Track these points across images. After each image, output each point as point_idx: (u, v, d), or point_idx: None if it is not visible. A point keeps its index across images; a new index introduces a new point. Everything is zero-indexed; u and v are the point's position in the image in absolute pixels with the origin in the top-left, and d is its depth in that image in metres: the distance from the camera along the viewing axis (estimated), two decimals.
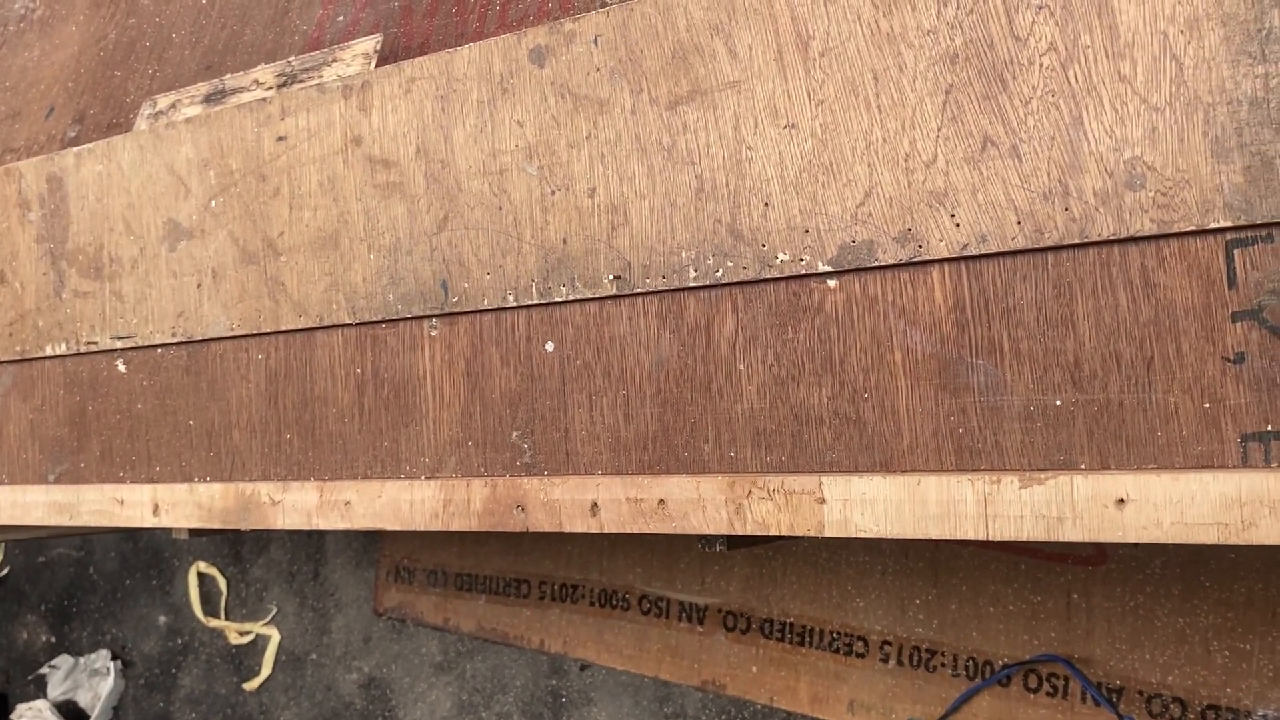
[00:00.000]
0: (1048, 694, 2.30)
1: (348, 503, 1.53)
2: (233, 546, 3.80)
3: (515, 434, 1.40)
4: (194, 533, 2.59)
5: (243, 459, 1.63)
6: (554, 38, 1.33)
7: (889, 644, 2.48)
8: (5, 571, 4.56)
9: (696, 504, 1.25)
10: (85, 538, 4.25)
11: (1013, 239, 1.07)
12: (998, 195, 1.08)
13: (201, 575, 3.85)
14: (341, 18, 1.80)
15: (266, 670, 3.63)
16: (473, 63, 1.40)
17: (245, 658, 3.72)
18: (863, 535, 1.15)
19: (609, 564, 2.90)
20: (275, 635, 3.62)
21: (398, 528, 1.49)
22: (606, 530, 1.34)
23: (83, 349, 1.79)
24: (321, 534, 3.53)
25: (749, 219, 1.20)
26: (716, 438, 1.24)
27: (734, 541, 1.65)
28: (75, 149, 1.81)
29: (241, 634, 3.72)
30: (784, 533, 1.21)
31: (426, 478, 1.47)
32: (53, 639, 4.37)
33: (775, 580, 2.63)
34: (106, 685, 4.04)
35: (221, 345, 1.65)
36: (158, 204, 1.69)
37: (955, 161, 1.09)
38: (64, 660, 4.20)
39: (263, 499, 1.60)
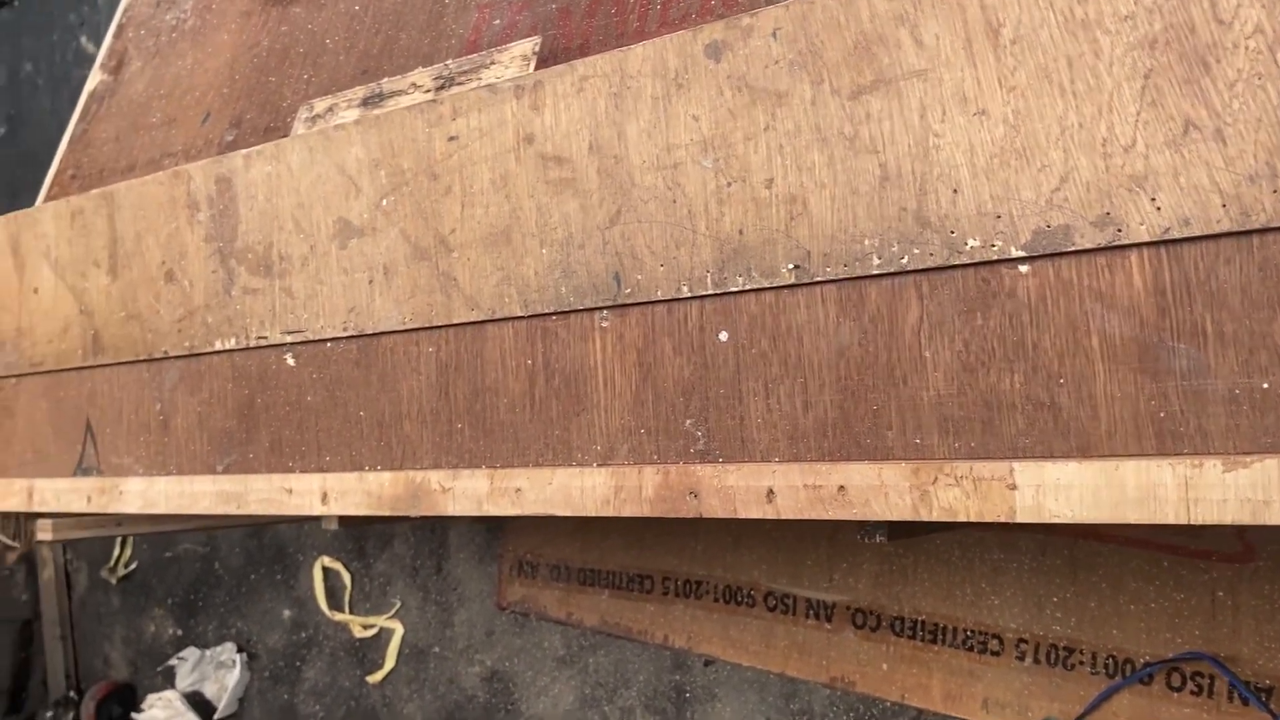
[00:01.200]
0: (1192, 693, 2.26)
1: (519, 490, 1.57)
2: (356, 542, 3.90)
3: (689, 422, 1.42)
4: (344, 521, 2.67)
5: (413, 448, 1.68)
6: (731, 33, 1.36)
7: (1025, 641, 2.46)
8: (133, 566, 4.73)
9: (878, 490, 1.27)
10: (211, 534, 4.39)
11: (1217, 221, 1.07)
12: (1201, 178, 1.07)
13: (326, 570, 3.96)
14: (498, 21, 1.85)
15: (390, 663, 3.71)
16: (647, 60, 1.43)
17: (368, 651, 3.81)
18: (1056, 520, 1.15)
19: (733, 560, 2.92)
20: (399, 629, 3.70)
21: (569, 513, 1.53)
22: (783, 516, 1.35)
23: (252, 344, 1.86)
24: (445, 530, 3.60)
25: (936, 206, 1.21)
26: (901, 424, 1.26)
27: (895, 532, 1.66)
28: (244, 151, 1.89)
29: (365, 627, 3.81)
30: (972, 519, 1.21)
31: (598, 465, 1.50)
32: (179, 632, 4.52)
33: (906, 578, 2.63)
34: (232, 677, 4.17)
35: (392, 339, 1.70)
36: (328, 203, 1.75)
37: (1155, 145, 1.09)
38: (191, 652, 4.35)
39: (433, 487, 1.65)
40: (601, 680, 3.22)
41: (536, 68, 1.71)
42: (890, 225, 1.24)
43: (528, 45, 1.77)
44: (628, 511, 1.49)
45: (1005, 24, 1.17)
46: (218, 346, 1.91)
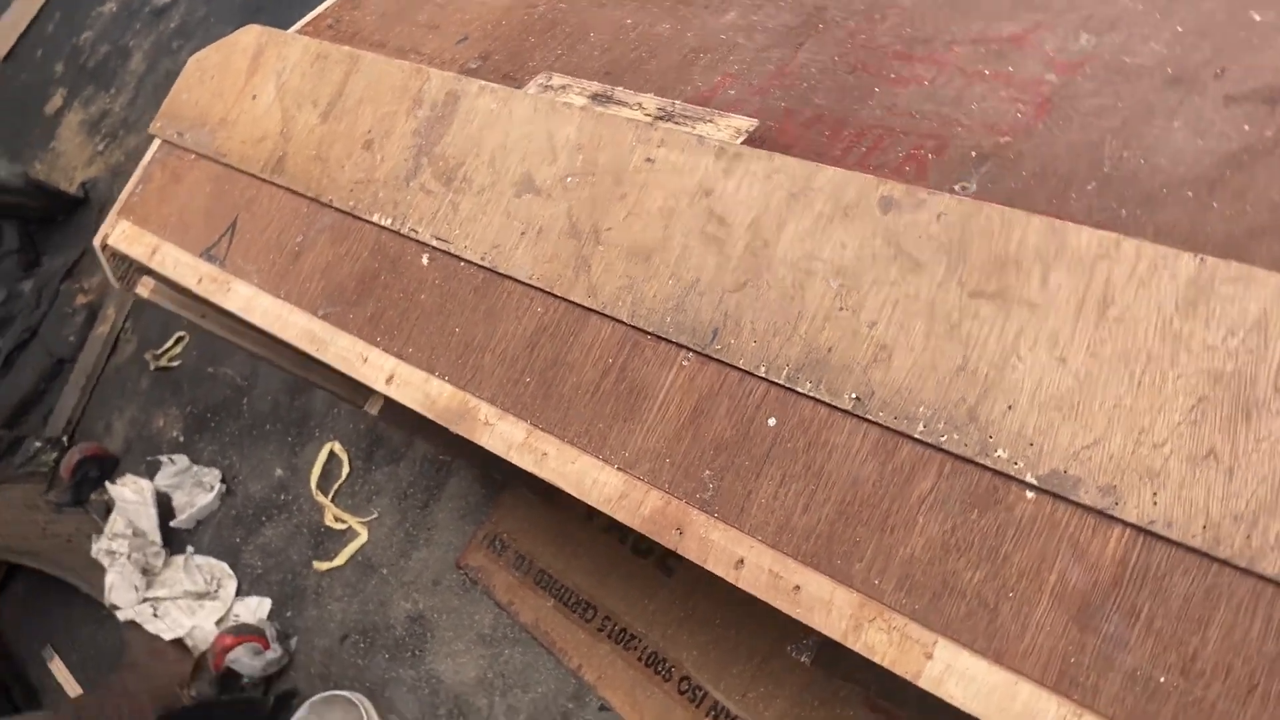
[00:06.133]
0: None
1: (545, 454, 1.77)
2: (371, 445, 4.12)
3: (707, 473, 1.62)
4: (384, 413, 2.89)
5: (482, 378, 1.90)
6: (907, 198, 1.57)
7: None
8: (176, 364, 5.02)
9: (825, 605, 1.45)
10: (254, 370, 4.66)
11: (1193, 537, 1.24)
12: (1199, 497, 1.25)
13: (332, 454, 4.19)
14: (733, 92, 2.08)
15: (340, 561, 3.92)
16: (831, 182, 1.65)
17: (328, 541, 4.02)
18: (949, 700, 1.32)
19: (674, 634, 3.08)
20: (364, 535, 3.91)
21: (575, 495, 1.73)
22: (740, 586, 1.54)
23: (404, 231, 2.10)
24: (448, 476, 3.81)
25: (989, 411, 1.40)
26: (870, 563, 1.44)
27: (820, 660, 1.83)
28: (481, 81, 2.14)
29: (337, 520, 4.03)
30: (884, 664, 1.39)
31: (617, 469, 1.70)
32: (181, 438, 4.78)
33: None
34: (204, 499, 4.40)
35: (513, 285, 1.93)
36: (525, 157, 1.99)
37: (1179, 454, 1.27)
38: (181, 460, 4.60)
39: (480, 416, 1.86)
40: (505, 673, 3.38)
41: (744, 144, 1.94)
42: (947, 407, 1.44)
43: (745, 123, 2.00)
44: (620, 517, 1.69)
45: (1116, 303, 1.37)
46: (375, 220, 2.16)
